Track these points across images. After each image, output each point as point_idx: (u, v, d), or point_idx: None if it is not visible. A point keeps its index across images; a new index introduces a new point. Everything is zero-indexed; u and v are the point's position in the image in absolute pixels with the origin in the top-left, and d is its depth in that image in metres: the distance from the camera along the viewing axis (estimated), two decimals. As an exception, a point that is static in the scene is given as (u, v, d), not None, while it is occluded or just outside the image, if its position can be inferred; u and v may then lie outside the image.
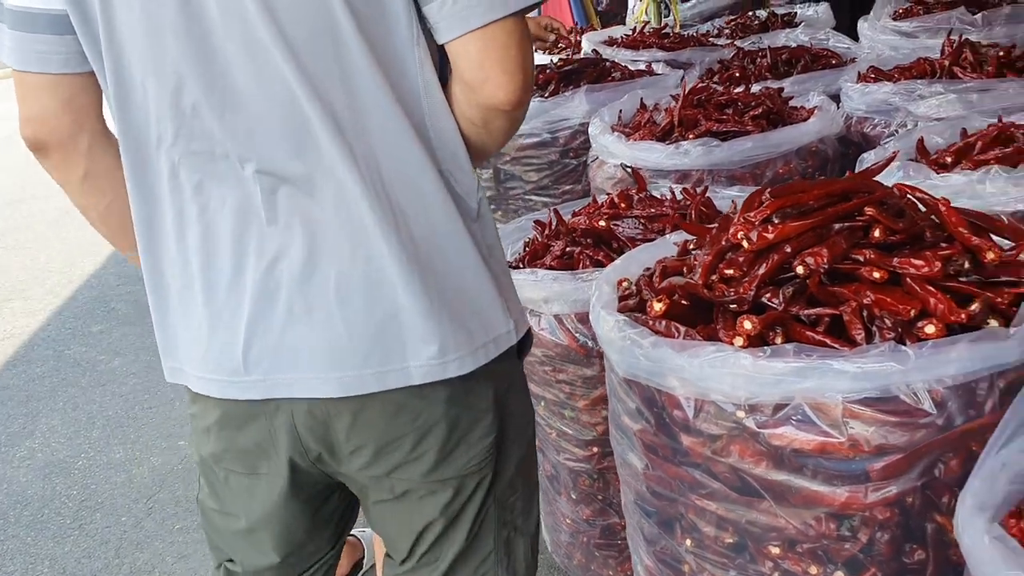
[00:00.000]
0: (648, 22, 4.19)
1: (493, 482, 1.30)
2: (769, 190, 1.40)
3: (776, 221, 1.33)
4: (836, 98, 2.76)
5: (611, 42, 3.82)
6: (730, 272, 1.33)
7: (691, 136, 2.43)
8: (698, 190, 2.12)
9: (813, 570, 1.26)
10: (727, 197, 2.07)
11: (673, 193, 2.17)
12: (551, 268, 1.95)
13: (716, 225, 1.50)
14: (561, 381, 1.96)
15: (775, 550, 1.27)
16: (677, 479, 1.35)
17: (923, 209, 1.40)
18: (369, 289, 1.17)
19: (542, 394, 2.02)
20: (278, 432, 1.26)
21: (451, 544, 1.32)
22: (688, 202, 2.09)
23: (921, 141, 2.18)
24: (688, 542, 1.37)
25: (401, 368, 1.19)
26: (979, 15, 3.16)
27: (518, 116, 1.20)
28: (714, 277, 1.35)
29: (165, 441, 3.50)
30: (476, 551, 1.33)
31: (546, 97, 3.00)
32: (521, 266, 2.04)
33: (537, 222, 2.23)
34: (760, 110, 2.51)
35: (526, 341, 1.33)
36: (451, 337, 1.19)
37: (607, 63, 3.26)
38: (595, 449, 1.98)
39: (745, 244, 1.33)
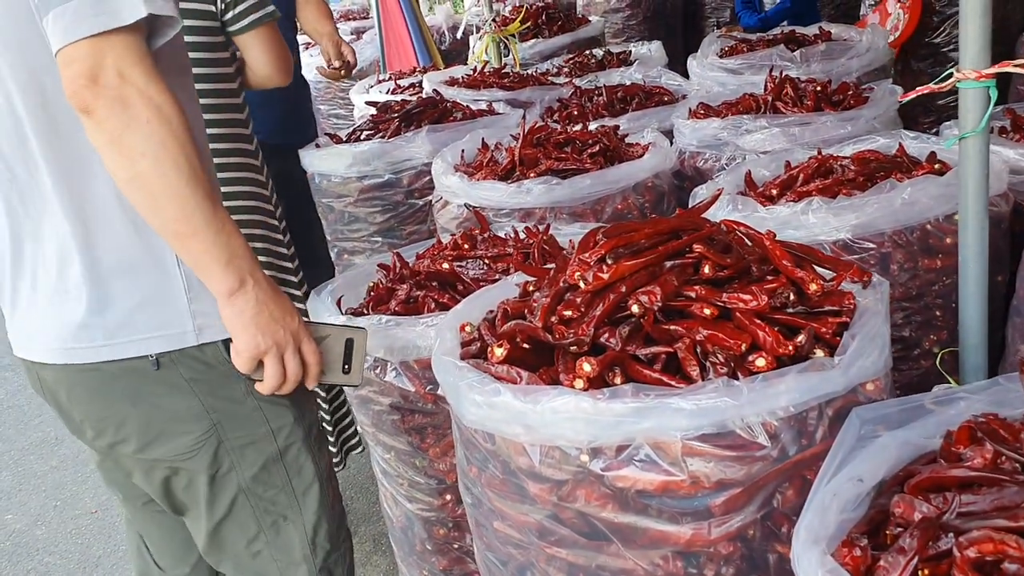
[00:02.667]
0: (488, 61, 4.23)
1: (224, 473, 1.52)
2: (602, 230, 1.41)
3: (610, 261, 1.33)
4: (670, 134, 2.86)
5: (452, 82, 3.84)
6: (568, 313, 1.33)
7: (532, 175, 2.45)
8: (541, 227, 2.13)
9: (664, 609, 1.25)
10: (569, 234, 2.08)
11: (516, 232, 2.17)
12: (396, 313, 1.91)
13: (554, 266, 1.50)
14: (410, 429, 1.91)
15: (626, 593, 1.26)
16: (525, 527, 1.33)
17: (750, 243, 1.45)
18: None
19: (392, 444, 1.97)
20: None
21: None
22: (531, 240, 2.09)
23: (749, 174, 2.27)
24: (540, 591, 1.35)
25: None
26: (797, 52, 3.36)
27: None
28: (553, 319, 1.34)
29: (-11, 517, 3.23)
30: (233, 540, 1.58)
31: (388, 138, 2.97)
32: (366, 312, 1.99)
33: (381, 265, 2.18)
34: (597, 148, 2.56)
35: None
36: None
37: (448, 103, 3.27)
38: (448, 497, 1.94)
39: (582, 285, 1.33)
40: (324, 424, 2.80)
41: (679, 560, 1.23)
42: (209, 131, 2.50)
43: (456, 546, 1.98)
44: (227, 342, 1.44)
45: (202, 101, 2.47)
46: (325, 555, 1.65)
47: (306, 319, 1.50)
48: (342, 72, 3.31)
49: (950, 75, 1.38)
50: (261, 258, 2.59)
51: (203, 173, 1.29)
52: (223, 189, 2.47)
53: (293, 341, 1.42)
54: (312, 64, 4.32)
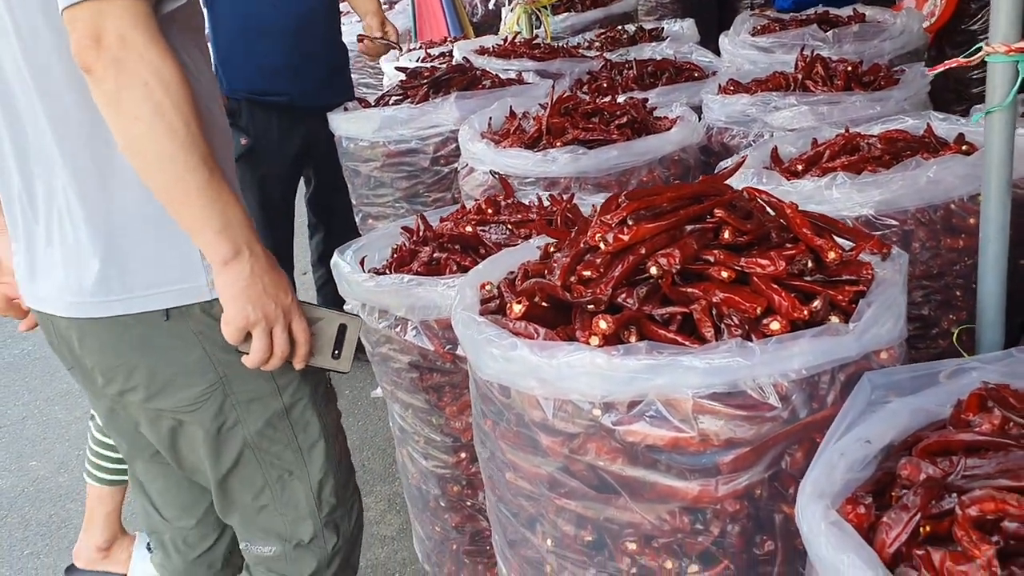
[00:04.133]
0: (519, 32, 4.23)
1: (229, 427, 1.55)
2: (625, 193, 1.43)
3: (631, 223, 1.35)
4: (698, 109, 2.85)
5: (482, 51, 3.84)
6: (587, 274, 1.35)
7: (559, 144, 2.46)
8: (565, 197, 2.14)
9: (669, 564, 1.28)
10: (593, 204, 2.10)
11: (540, 199, 2.19)
12: (418, 274, 1.93)
13: (576, 229, 1.52)
14: (428, 388, 1.94)
15: (632, 546, 1.29)
16: (537, 479, 1.35)
17: (771, 212, 1.46)
18: None
19: (410, 401, 2.00)
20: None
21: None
22: (555, 208, 2.11)
23: (775, 150, 2.27)
24: (549, 542, 1.38)
25: None
26: (830, 32, 3.33)
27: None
28: (572, 279, 1.36)
29: (15, 463, 3.31)
30: (239, 491, 1.63)
31: (416, 104, 2.98)
32: (388, 272, 2.01)
33: (405, 228, 2.21)
34: (625, 119, 2.57)
35: None
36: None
37: (477, 71, 3.27)
38: (463, 455, 1.97)
39: (602, 246, 1.35)
40: None
41: (686, 516, 1.25)
42: None
43: (469, 503, 2.01)
44: None
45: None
46: (331, 510, 1.69)
47: (301, 301, 1.52)
48: (383, 49, 3.34)
49: (979, 49, 1.37)
50: None
51: (201, 139, 1.31)
52: None
53: (284, 317, 1.43)
54: (351, 31, 4.34)
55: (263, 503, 1.65)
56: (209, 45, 3.29)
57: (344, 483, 1.72)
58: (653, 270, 1.31)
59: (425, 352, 1.89)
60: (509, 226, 2.05)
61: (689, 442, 1.20)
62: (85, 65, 1.25)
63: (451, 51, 4.13)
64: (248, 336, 1.43)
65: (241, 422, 1.57)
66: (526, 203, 2.21)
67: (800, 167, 2.13)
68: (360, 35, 3.51)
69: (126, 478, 2.19)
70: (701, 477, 1.22)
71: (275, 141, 3.23)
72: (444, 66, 3.36)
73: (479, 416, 1.48)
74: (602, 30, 4.56)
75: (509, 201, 2.20)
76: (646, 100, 2.80)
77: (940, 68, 1.49)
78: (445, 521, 2.07)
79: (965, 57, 1.41)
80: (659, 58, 3.57)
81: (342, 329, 1.54)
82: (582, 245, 1.41)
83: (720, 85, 2.94)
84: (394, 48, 3.46)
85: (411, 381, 1.96)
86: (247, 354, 1.45)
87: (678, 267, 1.31)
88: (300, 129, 3.28)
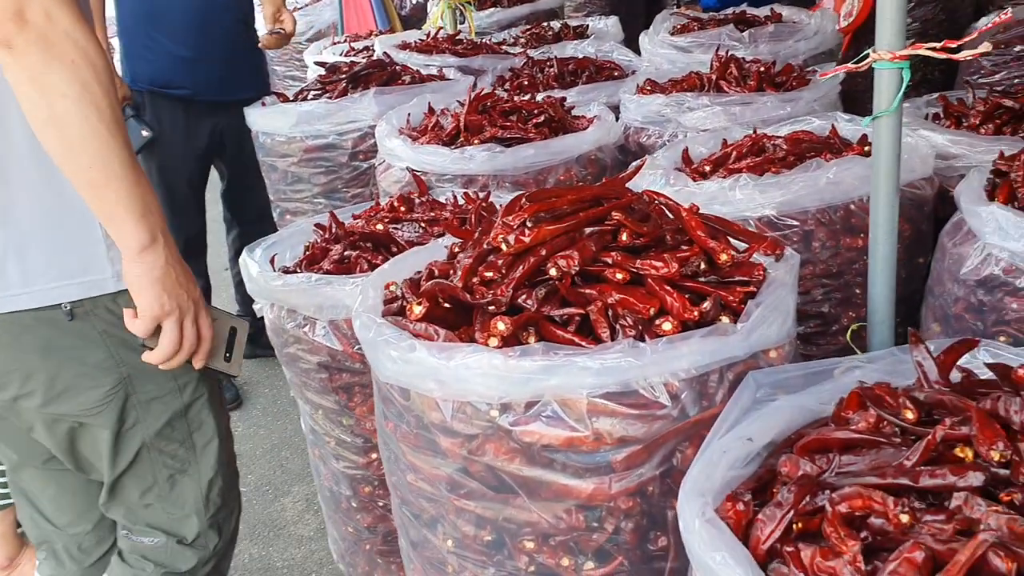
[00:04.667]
0: (443, 27, 4.22)
1: (129, 427, 1.54)
2: (526, 195, 1.44)
3: (531, 225, 1.36)
4: (618, 109, 2.88)
5: (404, 46, 3.83)
6: (489, 275, 1.36)
7: (476, 141, 2.47)
8: (481, 195, 2.15)
9: (565, 562, 1.30)
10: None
11: (455, 197, 2.19)
12: (328, 272, 1.92)
13: (480, 229, 1.52)
14: (338, 388, 1.93)
15: (530, 544, 1.30)
16: (437, 481, 1.36)
17: (669, 214, 1.48)
18: None
19: (320, 402, 1.99)
20: None
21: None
22: (469, 207, 2.11)
23: (686, 151, 2.30)
24: (449, 543, 1.39)
25: None
26: (746, 32, 3.39)
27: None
28: (475, 280, 1.37)
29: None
30: (129, 488, 1.61)
31: (334, 99, 2.96)
32: (299, 270, 2.00)
33: (318, 225, 2.19)
34: (543, 118, 2.58)
35: None
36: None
37: (398, 66, 3.26)
38: (374, 456, 1.96)
39: (504, 247, 1.36)
40: None
41: (581, 513, 1.27)
42: None
43: (381, 504, 2.01)
44: None
45: None
46: (216, 510, 1.68)
47: None
48: (280, 40, 3.24)
49: (867, 56, 1.42)
50: None
51: (122, 121, 1.29)
52: None
53: (194, 308, 1.42)
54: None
55: (148, 501, 1.63)
56: (113, 37, 3.24)
57: (230, 486, 1.72)
58: (553, 271, 1.33)
59: (334, 352, 1.88)
60: (422, 224, 2.05)
61: (583, 441, 1.22)
62: (5, 40, 1.21)
63: (374, 45, 4.10)
64: (156, 329, 1.40)
65: (140, 422, 1.56)
66: (442, 201, 2.21)
67: (708, 168, 2.17)
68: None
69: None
70: (595, 475, 1.24)
71: (180, 134, 3.19)
72: (364, 61, 3.34)
73: (381, 418, 1.48)
74: (528, 26, 4.58)
75: (423, 199, 2.20)
76: (564, 99, 2.82)
77: (834, 72, 1.53)
78: (358, 521, 2.07)
79: (854, 63, 1.45)
80: (581, 56, 3.59)
81: (232, 332, 1.53)
82: (485, 246, 1.42)
83: (638, 85, 2.98)
84: (285, 39, 3.32)
85: (320, 382, 1.95)
86: (152, 349, 1.42)
87: (577, 268, 1.33)
88: (206, 123, 3.23)
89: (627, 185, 1.56)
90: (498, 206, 1.97)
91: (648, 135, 2.75)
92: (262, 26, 3.34)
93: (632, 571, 1.30)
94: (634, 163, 2.27)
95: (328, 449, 2.04)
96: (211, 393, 1.63)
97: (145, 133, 3.09)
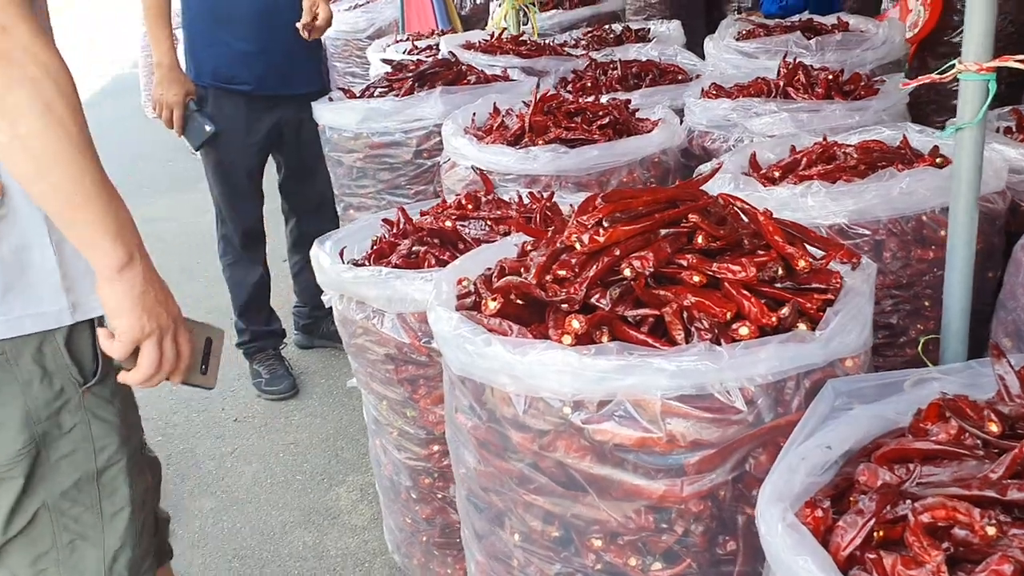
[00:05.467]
0: (506, 28, 4.24)
1: (33, 486, 1.39)
2: (602, 195, 1.45)
3: (607, 225, 1.37)
4: (681, 112, 2.88)
5: (468, 46, 3.85)
6: (563, 273, 1.37)
7: (540, 142, 2.48)
8: (544, 195, 2.16)
9: (633, 561, 1.31)
10: (573, 203, 2.12)
11: (520, 197, 2.21)
12: (396, 267, 1.95)
13: (553, 228, 1.54)
14: (403, 380, 1.95)
15: (598, 543, 1.31)
16: (506, 474, 1.37)
17: (745, 218, 1.48)
18: None
19: (385, 393, 2.02)
20: None
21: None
22: (534, 206, 2.13)
23: (754, 156, 2.29)
24: (516, 537, 1.40)
25: None
26: (813, 40, 3.36)
27: None
28: (548, 277, 1.38)
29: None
30: (24, 550, 1.43)
31: (400, 97, 2.99)
32: (367, 264, 2.03)
33: (385, 220, 2.22)
34: (607, 120, 2.59)
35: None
36: None
37: (463, 66, 3.28)
38: (436, 448, 1.99)
39: (578, 246, 1.37)
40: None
41: (651, 514, 1.27)
42: None
43: (440, 496, 2.03)
44: (68, 341, 1.37)
45: None
46: None
47: None
48: (306, 32, 3.23)
49: (953, 66, 1.41)
50: None
51: (90, 137, 1.21)
52: None
53: (174, 327, 1.34)
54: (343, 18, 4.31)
55: (43, 567, 1.46)
56: (177, 28, 3.28)
57: (141, 557, 1.55)
58: (627, 272, 1.34)
59: (401, 345, 1.91)
60: (488, 222, 2.07)
61: (656, 442, 1.23)
62: None
63: (438, 44, 4.13)
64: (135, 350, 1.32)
65: (45, 480, 1.42)
66: (506, 200, 2.23)
67: (777, 174, 2.16)
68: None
69: None
70: (667, 477, 1.25)
71: (240, 128, 3.24)
72: (430, 60, 3.37)
73: (451, 410, 1.50)
74: (589, 28, 4.58)
75: (489, 197, 2.22)
76: (628, 101, 2.82)
77: (915, 83, 1.52)
78: (416, 513, 2.09)
79: (939, 73, 1.44)
80: (644, 59, 3.59)
81: (208, 342, 1.46)
82: (558, 245, 1.43)
83: (703, 89, 2.97)
84: (318, 31, 3.28)
85: (386, 373, 1.98)
86: (128, 370, 1.33)
87: (651, 270, 1.34)
88: (266, 117, 3.28)
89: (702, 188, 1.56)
90: (570, 206, 1.98)
91: (713, 139, 2.75)
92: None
93: (700, 574, 1.30)
94: (706, 165, 2.26)
95: (390, 439, 2.07)
96: (131, 457, 1.50)
97: (208, 128, 3.14)
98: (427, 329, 1.88)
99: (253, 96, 3.21)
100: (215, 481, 2.97)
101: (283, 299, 3.77)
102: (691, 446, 1.23)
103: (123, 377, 1.35)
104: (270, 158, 3.49)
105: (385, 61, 3.44)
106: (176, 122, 3.16)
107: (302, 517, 2.73)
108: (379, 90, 3.17)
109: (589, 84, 3.24)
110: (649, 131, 2.60)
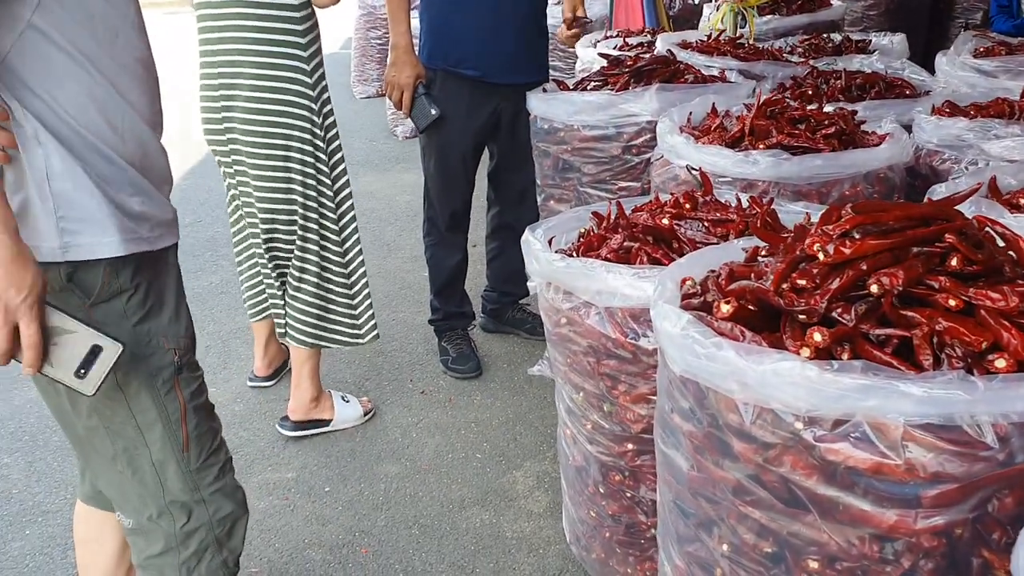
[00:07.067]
0: (724, 30, 4.16)
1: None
2: (850, 205, 1.39)
3: (856, 237, 1.31)
4: (908, 128, 2.73)
5: (685, 45, 3.80)
6: (803, 282, 1.32)
7: (761, 146, 2.42)
8: (764, 200, 2.10)
9: (850, 589, 1.25)
10: (792, 212, 2.05)
11: (739, 200, 2.16)
12: (607, 260, 1.94)
13: (791, 234, 1.49)
14: (604, 374, 1.95)
15: (814, 564, 1.26)
16: (722, 482, 1.34)
17: (1002, 243, 1.39)
18: None
19: (583, 384, 2.02)
20: None
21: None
22: (754, 211, 2.07)
23: (994, 179, 2.15)
24: (725, 547, 1.37)
25: None
26: (1063, 62, 3.12)
27: None
28: (785, 286, 1.34)
29: (195, 386, 3.53)
30: (98, 451, 1.69)
31: (616, 91, 2.99)
32: (575, 255, 2.03)
33: (595, 213, 2.22)
34: (833, 129, 2.49)
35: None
36: None
37: (680, 65, 3.24)
38: (630, 446, 1.98)
39: (821, 256, 1.32)
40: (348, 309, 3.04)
41: (876, 543, 1.21)
42: (263, 59, 2.70)
43: (629, 495, 2.02)
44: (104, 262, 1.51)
45: (258, 34, 2.69)
46: (178, 492, 1.72)
47: (59, 310, 1.45)
48: (574, 37, 3.33)
49: None
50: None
51: None
52: (272, 118, 2.73)
53: (4, 315, 1.36)
54: (554, 12, 4.38)
55: (120, 469, 1.70)
56: (416, 14, 3.42)
57: (194, 470, 1.73)
58: (874, 288, 1.28)
59: (606, 338, 1.90)
60: (706, 223, 2.03)
61: (893, 470, 1.17)
62: None
63: (650, 42, 4.10)
64: None
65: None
66: (723, 202, 2.18)
67: (1023, 201, 2.01)
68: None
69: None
70: (900, 507, 1.18)
71: (463, 113, 3.32)
72: (648, 56, 3.35)
73: (666, 410, 1.48)
74: (806, 36, 4.42)
75: (708, 198, 2.18)
76: (855, 112, 2.70)
77: None
78: (602, 507, 2.09)
79: None
80: (868, 71, 3.43)
81: (95, 350, 1.47)
82: (798, 252, 1.39)
83: (934, 105, 2.82)
84: (583, 31, 3.44)
85: (587, 365, 1.98)
86: None
87: (900, 288, 1.27)
88: (488, 103, 3.35)
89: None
90: (779, 214, 1.91)
91: (943, 159, 2.60)
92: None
93: (922, 613, 1.23)
94: (939, 186, 2.14)
95: (583, 431, 2.07)
96: (153, 378, 1.65)
97: (434, 111, 3.24)
98: (634, 325, 1.87)
99: (479, 82, 3.28)
100: (401, 449, 3.07)
101: (471, 283, 3.85)
102: (931, 478, 1.16)
103: None
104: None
105: (602, 55, 3.44)
106: (404, 104, 3.28)
107: (480, 495, 2.79)
108: (593, 83, 3.18)
109: (810, 92, 3.12)
110: (876, 145, 2.48)
